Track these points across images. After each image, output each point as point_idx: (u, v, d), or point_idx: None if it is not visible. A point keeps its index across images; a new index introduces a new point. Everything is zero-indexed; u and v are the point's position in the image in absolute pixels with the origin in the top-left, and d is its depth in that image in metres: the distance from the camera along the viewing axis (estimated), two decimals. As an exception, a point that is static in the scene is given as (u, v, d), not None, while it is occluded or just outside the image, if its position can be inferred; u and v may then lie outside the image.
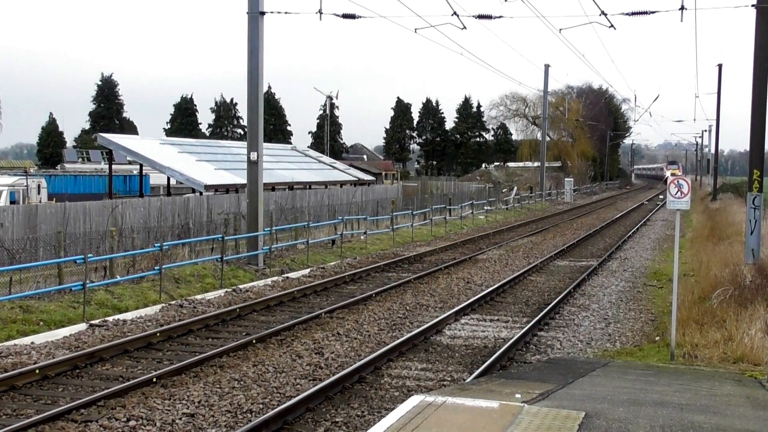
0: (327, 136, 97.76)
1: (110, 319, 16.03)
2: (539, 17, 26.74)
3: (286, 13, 24.52)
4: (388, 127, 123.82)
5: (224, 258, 21.34)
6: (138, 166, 47.83)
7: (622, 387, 10.10)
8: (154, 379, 11.73)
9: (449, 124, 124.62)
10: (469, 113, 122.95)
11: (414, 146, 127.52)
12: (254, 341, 14.33)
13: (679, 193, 13.29)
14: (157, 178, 53.20)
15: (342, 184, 52.00)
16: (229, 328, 15.88)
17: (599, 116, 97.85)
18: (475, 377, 11.90)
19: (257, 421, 9.52)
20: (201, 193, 35.75)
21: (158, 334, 14.56)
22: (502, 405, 8.06)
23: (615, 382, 10.59)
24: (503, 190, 68.61)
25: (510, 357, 13.81)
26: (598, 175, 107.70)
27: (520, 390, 9.10)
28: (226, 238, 22.39)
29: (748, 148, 21.21)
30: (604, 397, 9.14)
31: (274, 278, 22.00)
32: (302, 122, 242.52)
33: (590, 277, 23.75)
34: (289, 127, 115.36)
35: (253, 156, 23.63)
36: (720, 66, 59.80)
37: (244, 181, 26.79)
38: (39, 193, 45.07)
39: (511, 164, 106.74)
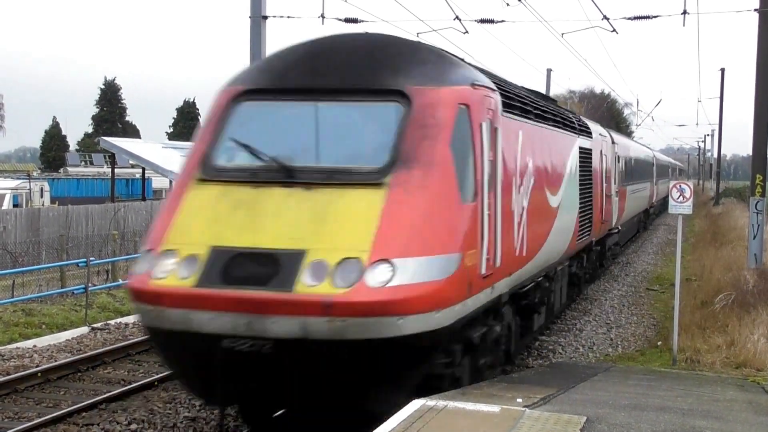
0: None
1: (112, 322, 16.04)
2: (541, 21, 26.74)
3: (288, 17, 24.54)
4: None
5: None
6: (140, 170, 47.87)
7: (624, 392, 10.08)
8: (156, 383, 11.73)
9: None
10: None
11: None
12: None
13: (681, 197, 13.28)
14: (159, 182, 53.24)
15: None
16: (230, 332, 15.84)
17: (601, 120, 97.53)
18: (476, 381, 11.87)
19: (259, 425, 9.38)
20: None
21: (160, 338, 14.55)
22: (503, 409, 8.05)
23: (617, 387, 10.57)
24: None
25: (511, 361, 13.78)
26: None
27: (521, 394, 9.08)
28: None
29: (750, 153, 21.19)
30: (605, 401, 9.12)
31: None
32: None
33: (592, 281, 23.70)
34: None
35: (256, 160, 23.61)
36: (723, 70, 59.75)
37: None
38: (42, 196, 45.16)
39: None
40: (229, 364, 7.71)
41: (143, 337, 14.43)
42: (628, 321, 17.84)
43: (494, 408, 8.07)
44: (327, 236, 7.88)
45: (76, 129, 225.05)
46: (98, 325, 15.67)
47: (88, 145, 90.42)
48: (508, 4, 21.17)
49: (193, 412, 10.53)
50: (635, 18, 23.44)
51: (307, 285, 7.59)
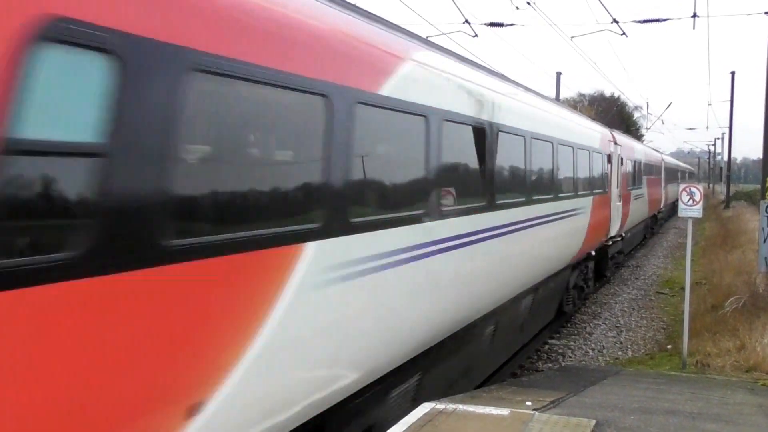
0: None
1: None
2: (551, 25, 26.80)
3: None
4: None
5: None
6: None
7: (634, 395, 10.08)
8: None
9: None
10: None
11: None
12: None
13: (691, 200, 13.26)
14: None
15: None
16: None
17: (611, 124, 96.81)
18: (485, 384, 11.89)
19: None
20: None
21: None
22: (512, 413, 8.07)
23: (626, 391, 10.57)
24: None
25: (520, 364, 13.79)
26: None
27: (530, 398, 9.09)
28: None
29: (761, 156, 21.14)
30: (615, 405, 9.13)
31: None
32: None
33: (601, 285, 23.69)
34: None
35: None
36: (733, 73, 59.64)
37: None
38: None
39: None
40: None
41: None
42: (638, 324, 17.82)
43: (504, 411, 8.09)
44: None
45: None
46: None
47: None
48: (517, 8, 21.19)
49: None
50: (645, 21, 23.46)
51: None
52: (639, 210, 28.31)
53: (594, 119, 25.50)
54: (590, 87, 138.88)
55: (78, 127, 3.71)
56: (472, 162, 8.97)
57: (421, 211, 7.36)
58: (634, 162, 26.35)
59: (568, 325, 17.64)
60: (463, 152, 8.74)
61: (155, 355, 4.09)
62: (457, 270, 8.37)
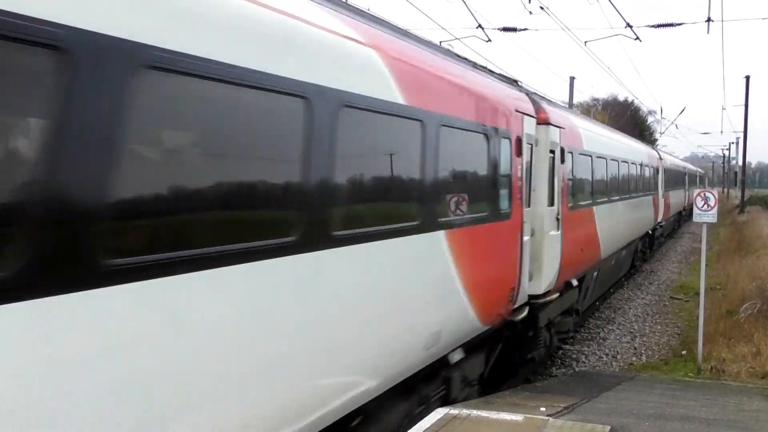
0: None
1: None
2: (564, 30, 26.71)
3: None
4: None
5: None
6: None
7: (648, 401, 10.04)
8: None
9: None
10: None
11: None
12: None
13: (705, 205, 13.21)
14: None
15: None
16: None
17: (625, 128, 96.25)
18: (500, 390, 11.87)
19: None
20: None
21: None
22: (526, 418, 8.06)
23: (641, 396, 10.53)
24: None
25: (534, 370, 13.76)
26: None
27: (545, 403, 9.08)
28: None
29: (776, 161, 21.01)
30: (629, 411, 9.10)
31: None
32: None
33: (615, 290, 23.61)
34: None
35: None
36: (747, 78, 59.15)
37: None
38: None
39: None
40: None
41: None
42: (652, 330, 17.74)
43: (517, 417, 8.09)
44: None
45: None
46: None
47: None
48: (531, 13, 21.19)
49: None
50: (659, 26, 23.41)
51: None
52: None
53: (607, 124, 28.37)
54: (604, 91, 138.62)
55: None
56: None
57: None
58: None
59: (582, 329, 17.59)
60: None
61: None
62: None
